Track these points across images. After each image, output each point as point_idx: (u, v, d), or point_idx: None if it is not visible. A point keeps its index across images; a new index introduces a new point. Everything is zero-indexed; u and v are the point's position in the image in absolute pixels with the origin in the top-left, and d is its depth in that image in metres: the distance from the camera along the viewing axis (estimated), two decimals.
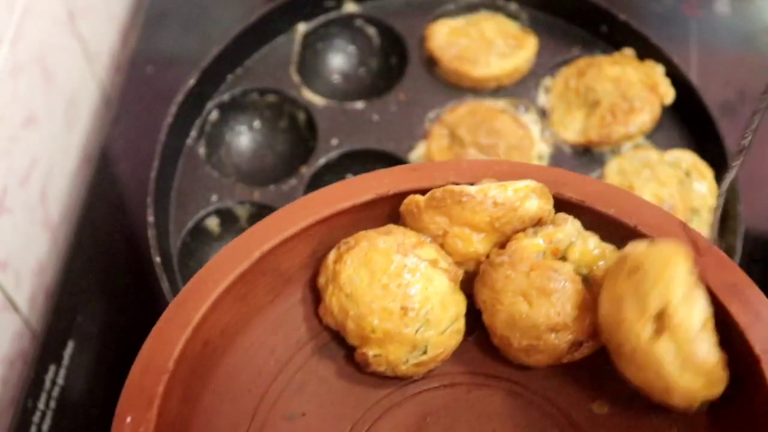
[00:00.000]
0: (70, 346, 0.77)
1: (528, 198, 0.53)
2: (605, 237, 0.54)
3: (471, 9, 0.85)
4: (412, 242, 0.54)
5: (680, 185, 0.73)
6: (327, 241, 0.56)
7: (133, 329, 0.79)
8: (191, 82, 0.77)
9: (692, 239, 0.53)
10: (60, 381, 0.75)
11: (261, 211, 0.76)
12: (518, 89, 0.81)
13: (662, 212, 0.55)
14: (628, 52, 0.80)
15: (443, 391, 0.56)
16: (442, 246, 0.55)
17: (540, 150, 0.78)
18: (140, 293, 0.80)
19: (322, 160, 0.78)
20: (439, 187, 0.54)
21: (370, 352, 0.54)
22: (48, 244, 0.82)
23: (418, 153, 0.78)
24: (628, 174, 0.75)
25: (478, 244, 0.54)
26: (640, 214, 0.54)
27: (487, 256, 0.55)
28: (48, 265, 0.82)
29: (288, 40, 0.84)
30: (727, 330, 0.50)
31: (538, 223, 0.54)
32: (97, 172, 0.85)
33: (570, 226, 0.53)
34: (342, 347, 0.57)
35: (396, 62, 0.84)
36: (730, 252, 0.71)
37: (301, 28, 0.84)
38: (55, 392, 0.75)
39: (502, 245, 0.54)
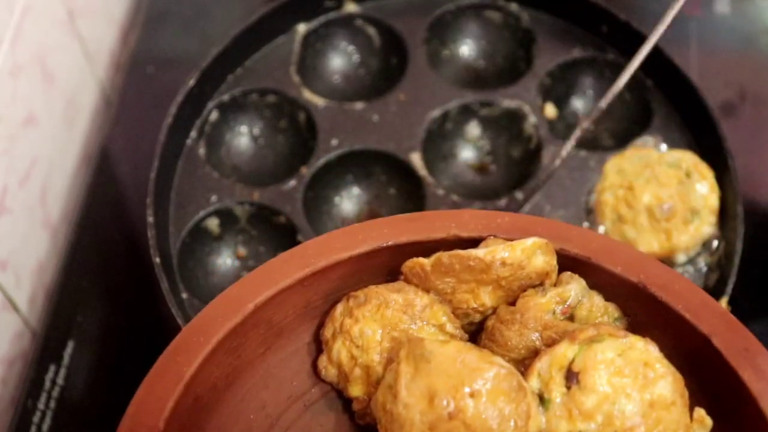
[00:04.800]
0: (70, 346, 0.77)
1: (534, 256, 0.53)
2: (608, 295, 0.55)
3: (471, 9, 0.85)
4: (423, 304, 0.54)
5: (680, 185, 0.73)
6: (323, 292, 0.55)
7: (133, 329, 0.79)
8: (191, 82, 0.77)
9: (702, 300, 0.52)
10: (60, 381, 0.75)
11: (261, 211, 0.76)
12: (518, 90, 0.81)
13: (669, 270, 0.54)
14: None
15: None
16: (450, 302, 0.55)
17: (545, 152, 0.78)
18: (140, 293, 0.80)
19: (322, 161, 0.78)
20: (442, 239, 0.54)
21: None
22: (48, 244, 0.82)
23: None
24: (627, 174, 0.75)
25: (485, 297, 0.54)
26: (646, 272, 0.53)
27: (494, 311, 0.55)
28: (48, 265, 0.82)
29: (288, 40, 0.84)
30: (738, 396, 0.50)
31: (544, 278, 0.54)
32: (97, 172, 0.85)
33: (576, 285, 0.54)
34: (335, 403, 0.56)
35: (396, 62, 0.84)
36: (730, 252, 0.71)
37: (301, 28, 0.84)
38: (55, 392, 0.75)
39: (510, 299, 0.55)
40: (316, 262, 0.54)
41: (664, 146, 0.78)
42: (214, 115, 0.80)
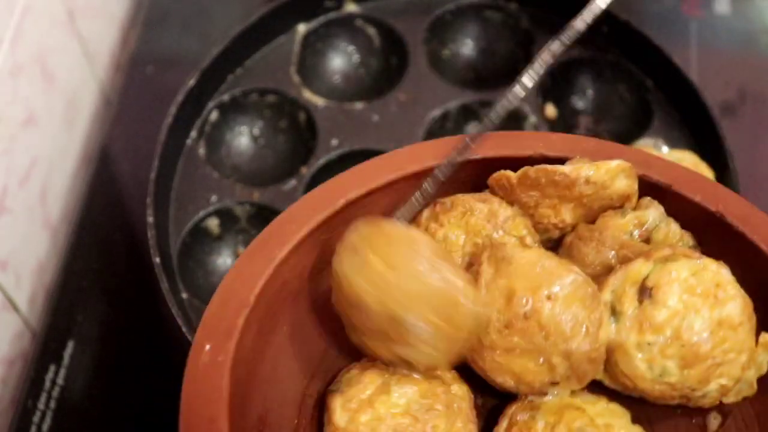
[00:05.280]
0: (70, 346, 0.77)
1: (617, 177, 0.55)
2: (685, 224, 0.56)
3: (471, 9, 0.85)
4: (506, 215, 0.55)
5: None
6: (409, 198, 0.56)
7: (133, 329, 0.79)
8: (191, 82, 0.77)
9: None
10: (60, 381, 0.75)
11: (261, 212, 0.76)
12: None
13: (747, 203, 0.56)
14: None
15: None
16: (532, 216, 0.56)
17: None
18: (140, 293, 0.80)
19: (322, 161, 0.78)
20: (528, 156, 0.56)
21: None
22: (48, 244, 0.82)
23: None
24: None
25: (566, 214, 0.56)
26: (725, 203, 0.55)
27: (573, 228, 0.56)
28: (48, 265, 0.82)
29: (288, 40, 0.84)
30: None
31: (624, 200, 0.55)
32: (97, 172, 0.85)
33: (655, 210, 0.55)
34: None
35: (396, 62, 0.84)
36: None
37: (302, 28, 0.84)
38: (55, 392, 0.75)
39: (589, 219, 0.56)
40: (407, 167, 0.56)
41: (665, 148, 0.78)
42: (214, 115, 0.80)
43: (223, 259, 0.76)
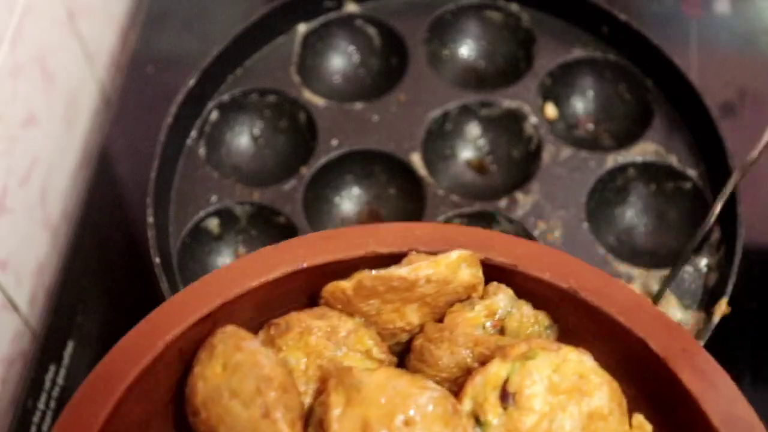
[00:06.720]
0: (70, 346, 0.77)
1: (459, 269, 0.51)
2: (537, 303, 0.53)
3: (471, 9, 0.85)
4: (348, 329, 0.51)
5: None
6: (239, 322, 0.51)
7: None
8: (191, 82, 0.77)
9: (636, 303, 0.50)
10: (60, 381, 0.75)
11: (261, 211, 0.76)
12: (519, 90, 0.81)
13: (600, 274, 0.53)
14: None
15: None
16: (375, 323, 0.52)
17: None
18: (140, 293, 0.80)
19: (322, 161, 0.78)
20: (359, 257, 0.52)
21: None
22: (48, 244, 0.82)
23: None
24: None
25: (411, 315, 0.52)
26: (576, 277, 0.52)
27: (421, 329, 0.53)
28: (48, 265, 0.82)
29: (288, 40, 0.84)
30: (678, 398, 0.48)
31: (471, 291, 0.52)
32: (97, 172, 0.85)
33: (504, 296, 0.52)
34: None
35: (396, 63, 0.84)
36: (729, 254, 0.71)
37: (302, 28, 0.84)
38: (55, 392, 0.75)
39: (437, 315, 0.53)
40: (227, 292, 0.50)
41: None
42: (214, 115, 0.80)
43: (223, 259, 0.77)
